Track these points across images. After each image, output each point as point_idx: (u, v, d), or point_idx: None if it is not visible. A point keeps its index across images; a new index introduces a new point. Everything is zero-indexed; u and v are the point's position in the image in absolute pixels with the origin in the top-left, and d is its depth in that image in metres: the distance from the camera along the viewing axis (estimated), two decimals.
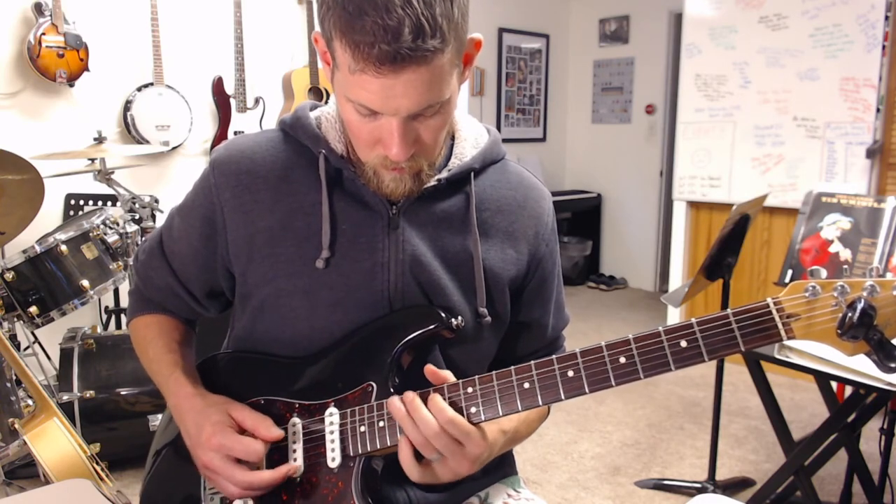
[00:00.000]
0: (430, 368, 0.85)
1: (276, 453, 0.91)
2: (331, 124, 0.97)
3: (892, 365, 0.69)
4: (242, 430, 0.90)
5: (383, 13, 0.72)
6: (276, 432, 0.89)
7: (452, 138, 1.00)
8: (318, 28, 0.83)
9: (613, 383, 0.78)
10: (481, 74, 5.26)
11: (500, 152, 1.02)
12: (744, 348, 0.75)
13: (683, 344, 0.76)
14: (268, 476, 0.87)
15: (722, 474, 2.53)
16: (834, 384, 2.29)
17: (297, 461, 0.90)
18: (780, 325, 0.74)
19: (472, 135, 1.00)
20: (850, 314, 0.69)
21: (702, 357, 0.76)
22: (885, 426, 1.94)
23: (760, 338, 0.74)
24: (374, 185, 0.90)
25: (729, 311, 0.75)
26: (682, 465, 2.65)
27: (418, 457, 0.83)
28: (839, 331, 0.71)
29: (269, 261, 0.93)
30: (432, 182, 0.93)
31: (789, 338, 0.74)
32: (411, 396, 0.83)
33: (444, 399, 0.82)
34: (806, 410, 3.16)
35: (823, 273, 0.72)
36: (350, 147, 0.94)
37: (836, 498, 2.31)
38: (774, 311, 0.74)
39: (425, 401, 0.82)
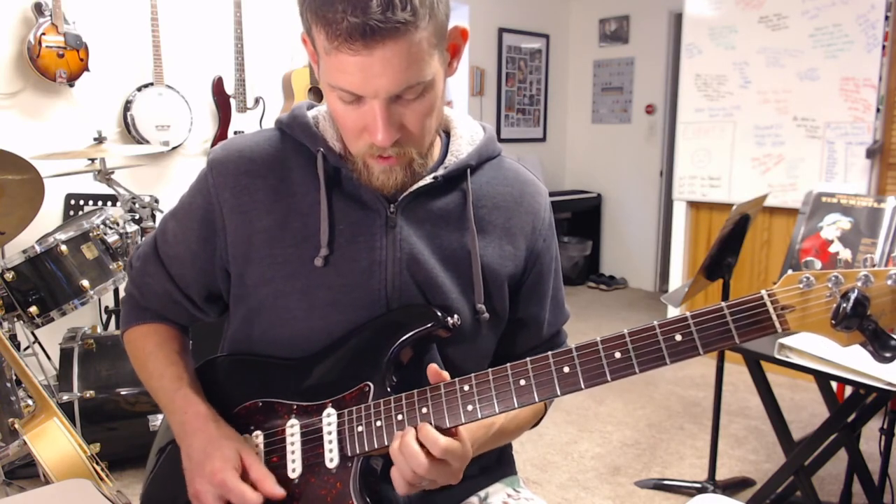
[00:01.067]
0: (432, 369, 0.85)
1: (275, 455, 0.91)
2: (328, 123, 0.97)
3: (887, 355, 0.69)
4: (245, 475, 0.88)
5: None
6: (278, 491, 0.87)
7: (448, 136, 1.00)
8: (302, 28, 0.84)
9: (609, 378, 0.78)
10: (481, 74, 5.26)
11: (495, 149, 1.02)
12: (738, 341, 0.74)
13: (678, 337, 0.76)
14: None
15: (722, 474, 2.53)
16: (834, 384, 2.29)
17: (294, 467, 0.90)
18: (774, 317, 0.74)
19: (467, 132, 1.00)
20: (843, 304, 0.69)
21: (696, 350, 0.76)
22: (885, 426, 1.93)
23: (755, 330, 0.74)
24: (365, 177, 0.89)
25: (723, 303, 0.75)
26: (682, 465, 2.65)
27: None
28: (833, 321, 0.71)
29: (266, 261, 0.93)
30: (429, 180, 0.93)
31: (784, 329, 0.74)
32: (402, 434, 0.82)
33: (440, 400, 0.82)
34: (806, 410, 3.16)
35: (818, 264, 0.72)
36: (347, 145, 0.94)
37: (836, 498, 2.31)
38: (769, 303, 0.74)
39: (417, 425, 0.82)
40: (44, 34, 3.03)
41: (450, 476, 0.83)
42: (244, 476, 0.87)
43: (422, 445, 0.80)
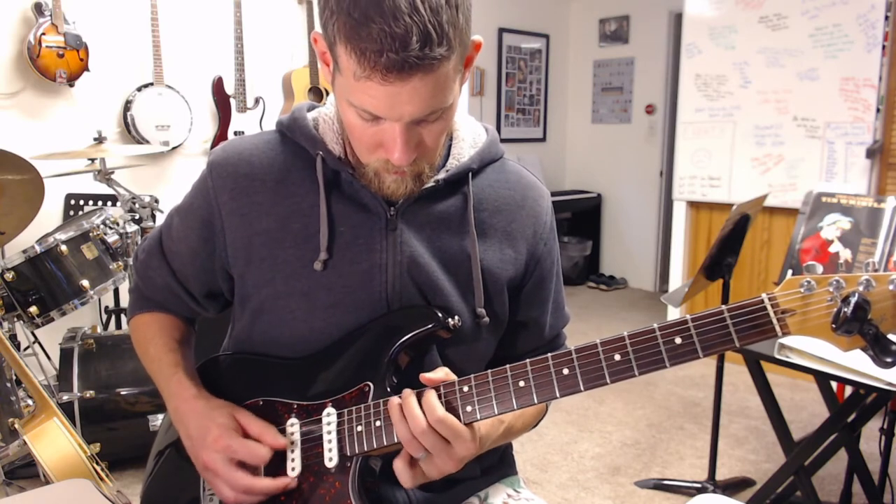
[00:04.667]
0: (424, 377, 0.85)
1: (275, 455, 0.91)
2: (328, 125, 0.96)
3: (888, 360, 0.69)
4: (246, 435, 0.90)
5: (390, 20, 0.71)
6: (280, 441, 0.89)
7: (450, 138, 1.00)
8: (318, 29, 0.82)
9: (608, 381, 0.78)
10: (481, 74, 5.26)
11: (498, 151, 1.02)
12: (739, 344, 0.74)
13: (678, 340, 0.76)
14: (267, 483, 0.88)
15: (722, 474, 2.53)
16: (834, 384, 2.29)
17: (294, 466, 0.90)
18: (774, 321, 0.74)
19: (469, 135, 1.00)
20: (844, 309, 0.69)
21: (696, 353, 0.76)
22: (885, 426, 1.94)
23: (755, 333, 0.74)
24: (375, 186, 0.90)
25: (724, 307, 0.75)
26: (682, 465, 2.65)
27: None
28: (834, 326, 0.71)
29: (267, 263, 0.93)
30: (430, 183, 0.93)
31: (784, 333, 0.74)
32: (407, 393, 0.83)
33: (440, 398, 0.82)
34: (806, 410, 3.16)
35: (819, 268, 0.72)
36: (348, 148, 0.94)
37: (836, 498, 2.31)
38: (769, 307, 0.74)
39: (421, 398, 0.83)
40: (44, 34, 3.03)
41: (448, 458, 0.81)
42: (245, 436, 0.90)
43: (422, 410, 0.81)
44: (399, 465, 0.83)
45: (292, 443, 0.91)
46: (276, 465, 0.90)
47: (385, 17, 0.72)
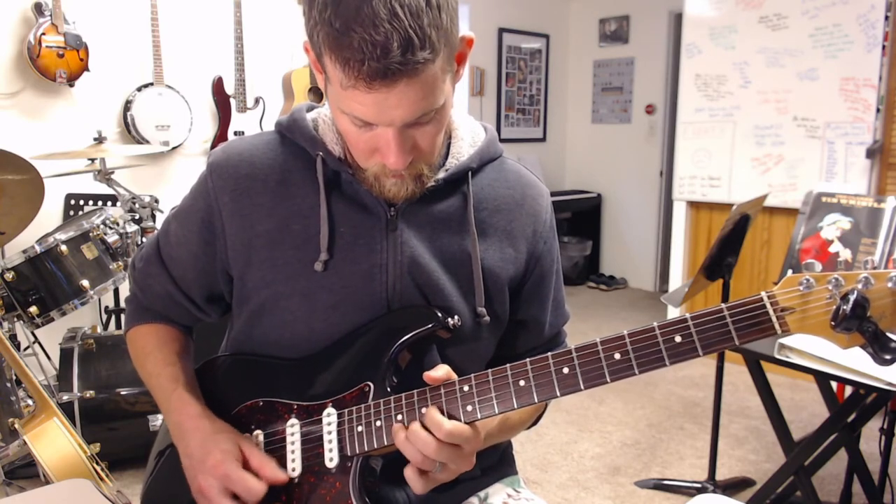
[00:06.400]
0: (427, 376, 0.85)
1: (275, 455, 0.91)
2: (328, 126, 0.96)
3: (887, 357, 0.69)
4: (246, 466, 0.89)
5: (370, 29, 0.71)
6: (280, 475, 0.88)
7: (449, 137, 1.00)
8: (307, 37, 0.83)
9: (608, 379, 0.78)
10: (481, 74, 5.26)
11: (497, 150, 1.02)
12: (738, 342, 0.74)
13: (678, 339, 0.76)
14: None
15: (722, 474, 2.53)
16: (834, 384, 2.29)
17: (294, 466, 0.90)
18: (774, 319, 0.74)
19: (468, 133, 1.00)
20: (843, 306, 0.69)
21: (696, 352, 0.76)
22: (885, 426, 1.94)
23: (755, 332, 0.74)
24: (377, 189, 0.90)
25: (723, 305, 0.75)
26: (682, 465, 2.65)
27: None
28: (833, 323, 0.71)
29: (267, 264, 0.93)
30: (430, 183, 0.93)
31: (783, 331, 0.74)
32: (412, 422, 0.83)
33: (440, 401, 0.82)
34: (806, 410, 3.16)
35: (818, 266, 0.72)
36: (348, 149, 0.94)
37: (836, 498, 2.31)
38: (768, 305, 0.74)
39: (422, 418, 0.83)
40: (44, 34, 3.03)
41: (462, 460, 0.83)
42: (245, 466, 0.88)
43: (428, 431, 0.81)
44: (410, 474, 0.83)
45: (292, 434, 0.90)
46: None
47: (365, 26, 0.71)
